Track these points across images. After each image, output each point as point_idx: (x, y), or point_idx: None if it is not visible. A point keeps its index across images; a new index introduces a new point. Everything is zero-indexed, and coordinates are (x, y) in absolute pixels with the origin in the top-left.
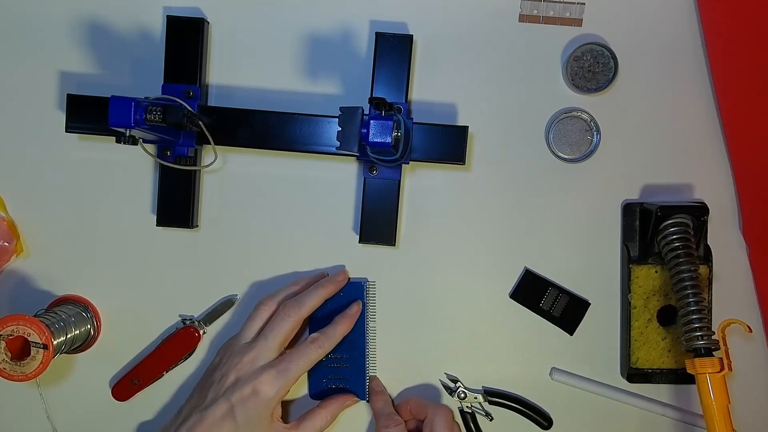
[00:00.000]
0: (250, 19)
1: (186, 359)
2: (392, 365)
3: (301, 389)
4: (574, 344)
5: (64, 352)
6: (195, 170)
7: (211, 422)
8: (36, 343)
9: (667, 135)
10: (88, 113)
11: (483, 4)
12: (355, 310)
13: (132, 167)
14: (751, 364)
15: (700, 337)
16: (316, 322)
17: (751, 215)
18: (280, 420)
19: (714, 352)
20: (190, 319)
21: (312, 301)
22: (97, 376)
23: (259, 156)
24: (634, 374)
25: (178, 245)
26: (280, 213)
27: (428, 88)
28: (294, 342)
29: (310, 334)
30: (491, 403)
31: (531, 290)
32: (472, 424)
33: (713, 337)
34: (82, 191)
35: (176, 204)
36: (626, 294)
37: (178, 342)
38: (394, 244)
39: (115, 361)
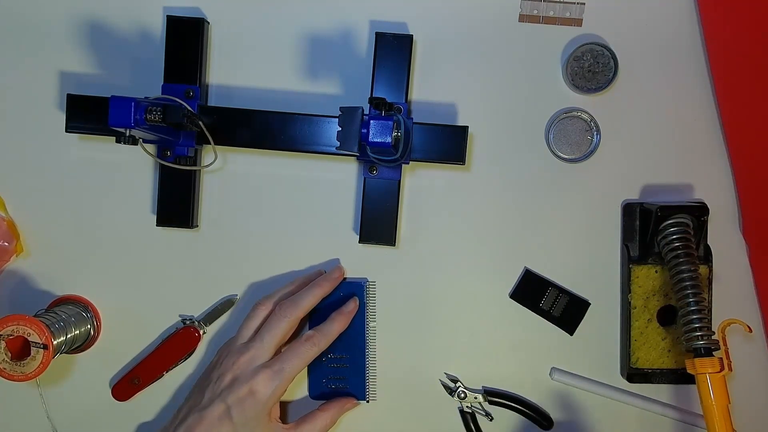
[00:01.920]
0: (250, 19)
1: (186, 359)
2: (392, 365)
3: (301, 390)
4: (574, 344)
5: (64, 352)
6: (195, 170)
7: (209, 423)
8: (36, 343)
9: (667, 135)
10: (88, 113)
11: (483, 4)
12: (351, 307)
13: (132, 167)
14: (751, 364)
15: (700, 337)
16: (316, 321)
17: (751, 215)
18: (279, 420)
19: (714, 352)
20: (190, 319)
21: (308, 301)
22: (97, 376)
23: (259, 156)
24: (634, 374)
25: (178, 245)
26: (280, 213)
27: (428, 88)
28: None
29: None
30: (491, 403)
31: (531, 290)
32: (472, 424)
33: (713, 337)
34: (82, 191)
35: (176, 204)
36: (626, 294)
37: (178, 342)
38: (394, 244)
39: (115, 361)
